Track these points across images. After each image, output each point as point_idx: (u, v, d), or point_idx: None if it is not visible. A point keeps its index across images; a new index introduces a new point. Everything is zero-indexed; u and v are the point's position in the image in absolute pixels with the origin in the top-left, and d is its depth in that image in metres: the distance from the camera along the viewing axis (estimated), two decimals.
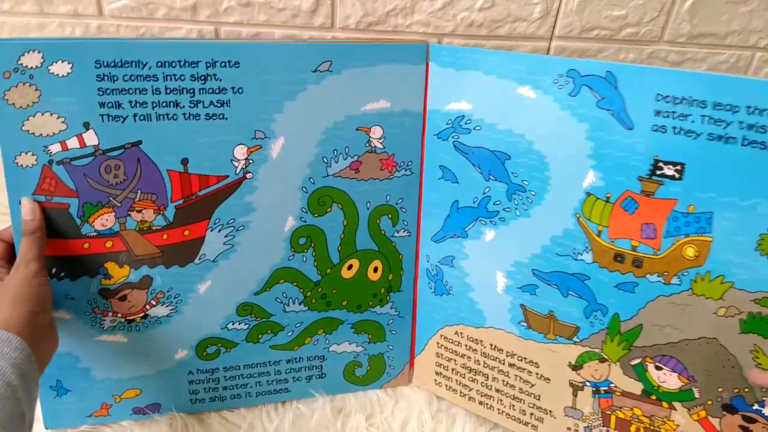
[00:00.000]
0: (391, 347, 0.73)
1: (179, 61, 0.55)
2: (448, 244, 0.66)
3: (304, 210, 0.63)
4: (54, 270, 0.59)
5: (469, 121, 0.61)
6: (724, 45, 0.64)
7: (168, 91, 0.56)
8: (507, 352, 0.67)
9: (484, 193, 0.62)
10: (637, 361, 0.59)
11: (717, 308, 0.54)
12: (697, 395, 0.57)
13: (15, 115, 0.53)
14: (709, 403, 0.57)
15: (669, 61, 0.65)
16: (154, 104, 0.56)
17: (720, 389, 0.56)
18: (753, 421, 0.55)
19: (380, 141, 0.63)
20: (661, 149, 0.52)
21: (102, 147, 0.56)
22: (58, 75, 0.53)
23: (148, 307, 0.63)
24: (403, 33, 0.63)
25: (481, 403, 0.71)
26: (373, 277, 0.68)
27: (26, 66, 0.52)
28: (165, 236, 0.60)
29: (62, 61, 0.53)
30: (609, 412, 0.63)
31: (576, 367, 0.63)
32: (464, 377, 0.71)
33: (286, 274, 0.65)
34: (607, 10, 0.62)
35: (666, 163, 0.52)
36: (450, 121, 0.62)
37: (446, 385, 0.72)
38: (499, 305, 0.65)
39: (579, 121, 0.55)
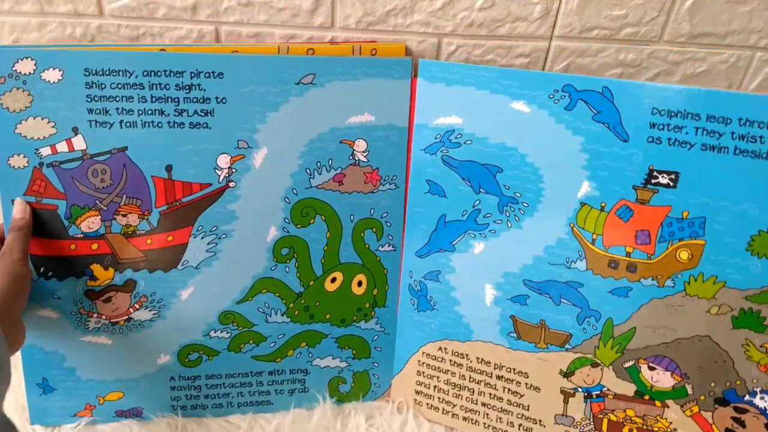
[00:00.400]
0: (376, 364, 0.72)
1: (165, 71, 0.57)
2: (434, 259, 0.66)
3: (287, 220, 0.64)
4: (42, 269, 0.61)
5: (459, 135, 0.61)
6: (724, 45, 0.64)
7: (153, 99, 0.58)
8: (495, 364, 0.66)
9: (473, 206, 0.62)
10: (630, 363, 0.60)
11: (710, 307, 0.56)
12: (690, 391, 0.59)
13: (8, 118, 0.56)
14: (702, 398, 0.59)
15: (669, 60, 0.64)
16: (140, 112, 0.58)
17: (713, 384, 0.58)
18: (744, 411, 0.57)
19: (364, 154, 0.63)
20: (655, 159, 0.55)
21: (89, 151, 0.58)
22: (49, 81, 0.56)
23: (131, 310, 0.64)
24: (402, 33, 0.63)
25: (465, 419, 0.69)
26: (358, 291, 0.68)
27: (20, 72, 0.55)
28: (149, 241, 0.62)
29: (54, 69, 0.56)
30: (601, 416, 0.63)
31: (568, 374, 0.63)
32: (447, 393, 0.69)
33: (268, 284, 0.66)
34: (607, 9, 0.62)
35: (660, 172, 0.55)
36: (439, 136, 0.62)
37: (427, 404, 0.71)
38: (487, 318, 0.65)
39: (574, 134, 0.57)
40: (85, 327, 0.64)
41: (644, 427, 0.62)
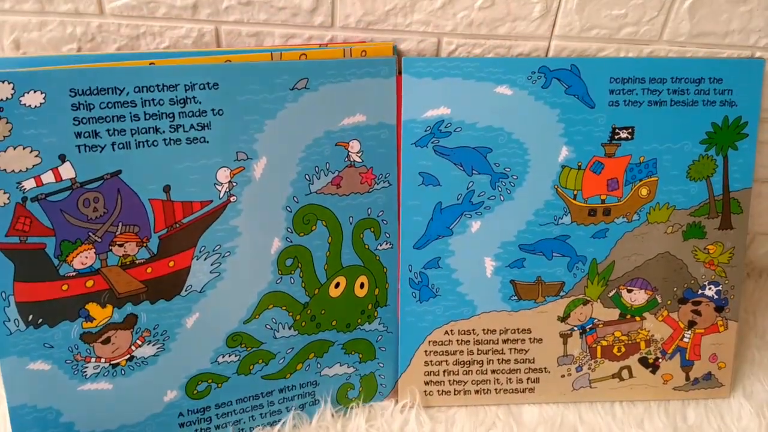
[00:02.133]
0: (381, 365, 0.72)
1: (157, 86, 0.54)
2: (432, 247, 0.68)
3: (289, 230, 0.62)
4: (30, 317, 0.55)
5: (449, 125, 0.65)
6: (724, 44, 0.66)
7: (147, 116, 0.54)
8: (500, 330, 0.71)
9: (467, 188, 0.67)
10: (613, 292, 0.72)
11: (666, 228, 0.70)
12: (659, 300, 0.72)
13: None
14: (669, 302, 0.72)
15: None
16: (133, 131, 0.54)
17: (675, 289, 0.72)
18: (699, 303, 0.72)
19: (358, 155, 0.64)
20: (616, 119, 0.66)
21: (79, 179, 0.54)
22: (30, 106, 0.51)
23: (133, 348, 0.59)
24: (402, 32, 0.63)
25: (477, 392, 0.73)
26: (360, 293, 0.68)
27: None
28: (149, 270, 0.58)
29: (34, 92, 0.51)
30: (595, 345, 0.73)
31: (564, 317, 0.72)
32: (457, 374, 0.72)
33: (274, 299, 0.64)
34: (606, 9, 0.64)
35: (621, 128, 0.66)
36: (428, 128, 0.65)
37: (438, 390, 0.72)
38: (489, 289, 0.70)
39: (551, 108, 0.65)
40: (83, 375, 0.58)
41: (629, 342, 0.73)
